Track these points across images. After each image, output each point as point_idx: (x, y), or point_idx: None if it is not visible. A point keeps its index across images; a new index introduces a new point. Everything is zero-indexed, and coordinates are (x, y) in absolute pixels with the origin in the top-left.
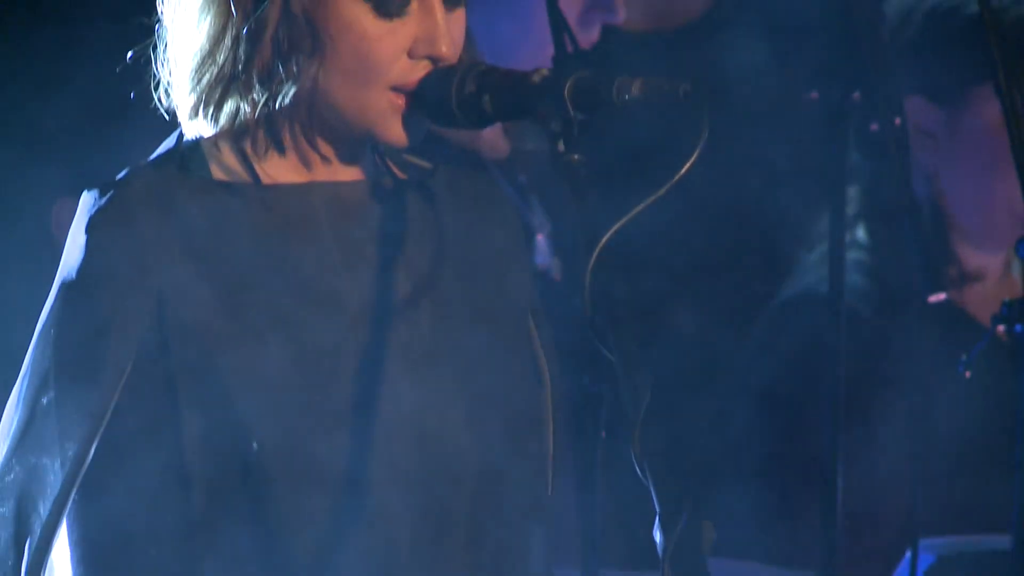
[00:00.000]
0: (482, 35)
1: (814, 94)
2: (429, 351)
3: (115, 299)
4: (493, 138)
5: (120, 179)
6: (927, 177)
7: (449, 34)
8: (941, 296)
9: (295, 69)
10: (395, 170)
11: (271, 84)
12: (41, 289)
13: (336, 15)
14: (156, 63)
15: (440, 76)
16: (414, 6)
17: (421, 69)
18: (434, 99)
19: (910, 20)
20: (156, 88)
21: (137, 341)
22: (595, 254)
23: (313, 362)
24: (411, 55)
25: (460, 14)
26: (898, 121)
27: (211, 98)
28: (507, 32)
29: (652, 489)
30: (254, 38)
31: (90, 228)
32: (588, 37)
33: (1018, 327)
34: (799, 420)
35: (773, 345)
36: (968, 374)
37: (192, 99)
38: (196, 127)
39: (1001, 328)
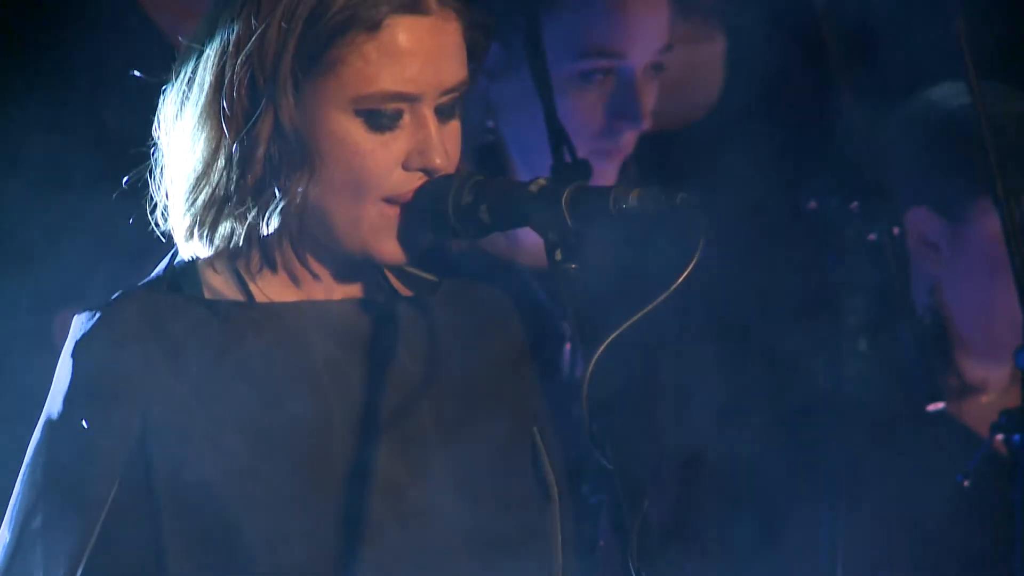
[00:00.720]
0: (513, 142)
1: (812, 203)
2: (422, 468)
3: (100, 424)
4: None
5: (110, 302)
6: (929, 288)
7: (443, 145)
8: (940, 405)
9: (287, 185)
10: (397, 284)
11: (264, 201)
12: (43, 397)
13: (328, 131)
14: (152, 187)
15: (437, 186)
16: (406, 119)
17: (416, 181)
18: (431, 209)
19: (912, 132)
20: (153, 212)
21: (122, 464)
22: (592, 363)
23: (301, 483)
24: (405, 167)
25: (454, 125)
26: (896, 231)
27: (205, 219)
28: (536, 139)
29: None
30: (246, 156)
31: (76, 353)
32: (612, 145)
33: (1016, 437)
34: (802, 530)
35: (776, 454)
36: (966, 483)
37: (187, 220)
38: (192, 248)
39: (999, 438)
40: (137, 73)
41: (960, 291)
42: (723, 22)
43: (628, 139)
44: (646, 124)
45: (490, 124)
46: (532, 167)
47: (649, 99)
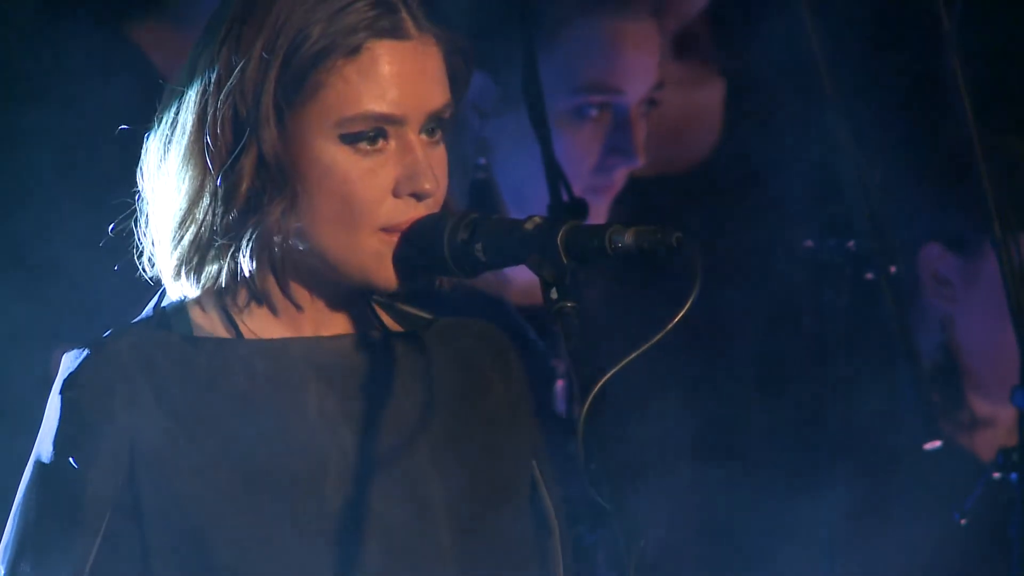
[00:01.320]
0: (506, 180)
1: (808, 242)
2: (418, 505)
3: (89, 461)
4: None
5: (98, 340)
6: (941, 324)
7: (431, 169)
8: (936, 443)
9: (272, 219)
10: (389, 321)
11: (251, 237)
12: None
13: (314, 159)
14: (139, 235)
15: (432, 223)
16: (392, 145)
17: (410, 208)
18: (426, 246)
19: (925, 167)
20: (140, 257)
21: (111, 501)
22: (588, 402)
23: (293, 521)
24: (395, 194)
25: (440, 151)
26: (893, 269)
27: (192, 257)
28: (529, 177)
29: None
30: (231, 192)
31: (64, 390)
32: (606, 182)
33: (1013, 476)
34: (802, 562)
35: (775, 488)
36: (963, 522)
37: (174, 260)
38: (180, 288)
39: (996, 476)
40: (125, 126)
41: (973, 328)
42: (721, 66)
43: (621, 175)
44: (640, 160)
45: (482, 161)
46: (523, 205)
47: (642, 135)
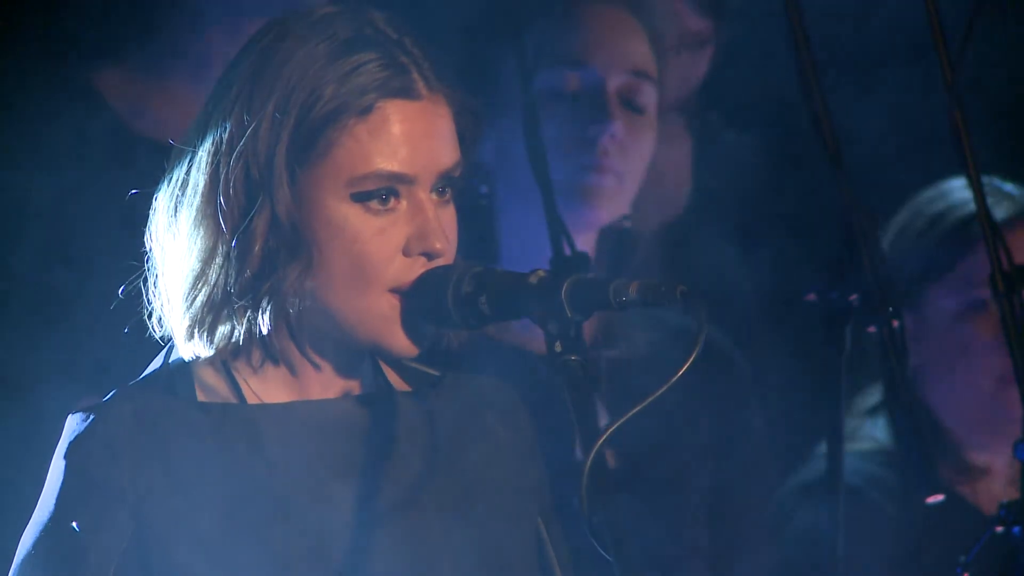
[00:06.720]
0: (505, 210)
1: (811, 296)
2: (427, 567)
3: (92, 526)
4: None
5: (103, 403)
6: (917, 382)
7: (442, 229)
8: (939, 497)
9: (287, 279)
10: (394, 379)
11: (263, 297)
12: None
13: (326, 219)
14: (148, 294)
15: (436, 277)
16: (403, 204)
17: (419, 268)
18: (431, 300)
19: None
20: (150, 317)
21: (114, 567)
22: (591, 455)
23: None
24: (406, 253)
25: (451, 209)
26: (896, 324)
27: (205, 318)
28: (524, 205)
29: None
30: (244, 252)
31: (69, 454)
32: (592, 159)
33: (1016, 529)
34: None
35: (779, 531)
36: (966, 575)
37: (186, 321)
38: (192, 349)
39: (999, 529)
40: (135, 191)
41: (930, 381)
42: (689, 123)
43: (605, 146)
44: (619, 127)
45: (484, 190)
46: (519, 234)
47: (620, 120)
